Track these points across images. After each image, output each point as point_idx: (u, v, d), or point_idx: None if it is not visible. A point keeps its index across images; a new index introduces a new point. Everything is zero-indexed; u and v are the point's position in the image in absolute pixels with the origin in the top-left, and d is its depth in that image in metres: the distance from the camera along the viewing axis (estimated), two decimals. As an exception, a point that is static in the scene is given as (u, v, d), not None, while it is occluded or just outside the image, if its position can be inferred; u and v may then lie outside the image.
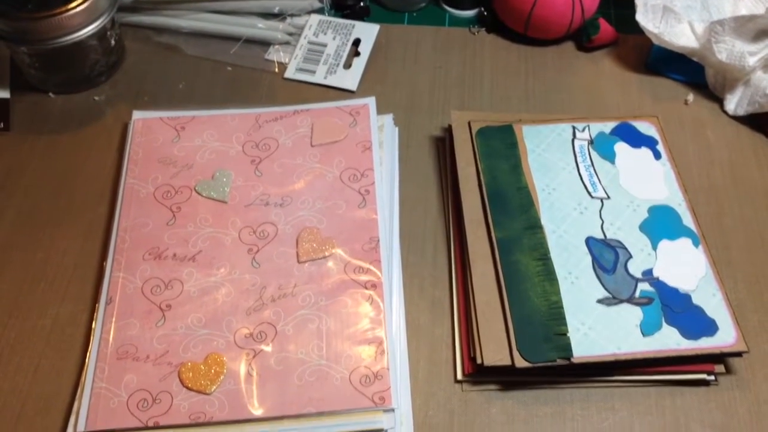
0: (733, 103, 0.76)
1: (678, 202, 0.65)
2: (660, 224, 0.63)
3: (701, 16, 0.76)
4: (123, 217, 0.64)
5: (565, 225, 0.63)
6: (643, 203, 0.65)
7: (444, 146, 0.73)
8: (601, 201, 0.65)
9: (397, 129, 0.73)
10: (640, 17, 0.75)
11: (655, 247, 0.62)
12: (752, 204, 0.69)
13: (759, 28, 0.72)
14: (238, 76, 0.79)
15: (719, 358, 0.58)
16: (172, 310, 0.59)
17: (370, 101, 0.72)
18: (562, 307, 0.58)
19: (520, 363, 0.55)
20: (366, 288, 0.60)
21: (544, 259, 0.61)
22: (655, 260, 0.61)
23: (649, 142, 0.69)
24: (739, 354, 0.57)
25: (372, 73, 0.79)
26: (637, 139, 0.69)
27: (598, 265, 0.61)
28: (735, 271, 0.65)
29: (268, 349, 0.57)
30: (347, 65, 0.79)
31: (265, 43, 0.81)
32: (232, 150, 0.69)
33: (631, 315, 0.58)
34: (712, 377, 0.58)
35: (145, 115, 0.71)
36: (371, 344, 0.57)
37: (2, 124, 0.73)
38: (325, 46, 0.81)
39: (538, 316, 0.58)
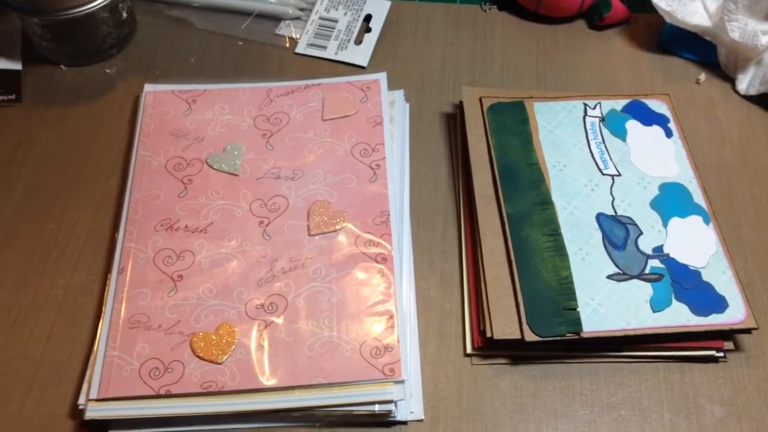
0: (745, 82, 0.75)
1: (689, 180, 0.65)
2: (671, 201, 0.63)
3: (715, -6, 0.75)
4: (135, 188, 0.64)
5: (576, 201, 0.63)
6: (654, 180, 0.65)
7: (455, 122, 0.72)
8: (612, 178, 0.65)
9: (408, 105, 0.73)
10: (653, -5, 0.75)
11: (665, 224, 0.62)
12: (762, 183, 0.69)
13: (773, 6, 0.71)
14: (249, 50, 0.79)
15: (728, 334, 0.58)
16: (184, 280, 0.59)
17: (382, 77, 0.72)
18: (572, 282, 0.58)
19: (530, 337, 0.56)
20: (376, 261, 0.60)
21: (555, 234, 0.61)
22: (665, 237, 0.61)
23: (661, 120, 0.69)
24: (748, 331, 0.58)
25: (383, 50, 0.79)
26: (648, 117, 0.69)
27: (608, 241, 0.61)
28: (745, 249, 0.65)
29: (278, 320, 0.57)
30: (358, 41, 0.79)
31: (276, 18, 0.81)
32: (243, 123, 0.69)
33: (641, 291, 0.58)
34: (721, 354, 0.58)
35: (156, 88, 0.71)
36: (381, 317, 0.57)
37: (14, 96, 0.73)
38: (336, 21, 0.80)
39: (548, 291, 0.58)
